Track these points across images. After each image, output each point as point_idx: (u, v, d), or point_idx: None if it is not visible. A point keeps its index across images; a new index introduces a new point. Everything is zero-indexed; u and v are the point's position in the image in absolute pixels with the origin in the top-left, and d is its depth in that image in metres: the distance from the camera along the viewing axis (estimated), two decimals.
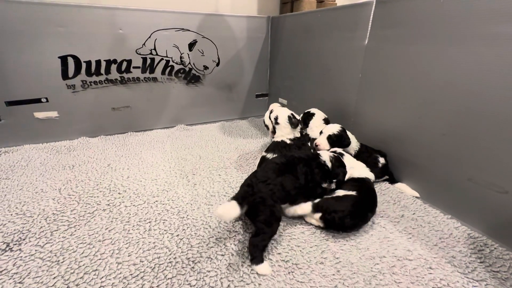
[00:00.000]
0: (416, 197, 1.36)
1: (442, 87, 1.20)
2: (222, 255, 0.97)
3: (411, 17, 1.28)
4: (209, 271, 0.90)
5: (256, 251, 0.95)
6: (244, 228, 1.11)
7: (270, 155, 1.42)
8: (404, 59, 1.35)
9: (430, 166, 1.31)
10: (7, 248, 0.97)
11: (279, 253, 0.99)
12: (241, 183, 1.42)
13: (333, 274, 0.91)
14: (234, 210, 0.92)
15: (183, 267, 0.92)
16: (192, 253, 0.98)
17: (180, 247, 1.00)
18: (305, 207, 1.13)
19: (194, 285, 0.85)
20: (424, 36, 1.24)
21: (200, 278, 0.88)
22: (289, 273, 0.91)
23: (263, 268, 0.92)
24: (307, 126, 1.70)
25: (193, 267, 0.92)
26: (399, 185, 1.44)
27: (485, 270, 0.94)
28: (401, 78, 1.38)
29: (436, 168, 1.29)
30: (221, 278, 0.88)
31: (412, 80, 1.32)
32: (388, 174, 1.47)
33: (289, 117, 1.51)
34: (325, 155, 1.23)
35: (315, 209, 1.12)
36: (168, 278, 0.87)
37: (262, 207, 1.00)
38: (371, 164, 1.44)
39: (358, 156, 1.48)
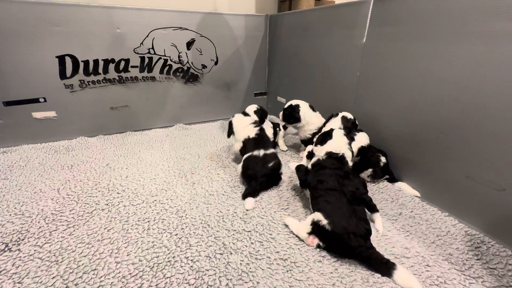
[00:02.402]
0: (417, 196, 1.36)
1: (440, 85, 1.20)
2: (220, 254, 0.98)
3: (409, 14, 1.28)
4: (207, 270, 0.91)
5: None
6: (243, 227, 1.11)
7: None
8: (402, 57, 1.35)
9: (428, 164, 1.32)
10: (6, 249, 0.97)
11: (278, 252, 0.99)
12: (239, 182, 1.44)
13: (331, 272, 0.91)
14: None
15: (181, 266, 0.92)
16: (191, 252, 0.98)
17: (179, 246, 1.00)
18: None
19: (193, 284, 0.86)
20: (422, 34, 1.24)
21: (198, 277, 0.88)
22: (287, 271, 0.91)
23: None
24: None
25: (191, 266, 0.92)
26: (399, 184, 1.43)
27: (482, 267, 0.94)
28: (399, 76, 1.38)
29: (434, 166, 1.29)
30: (219, 276, 0.89)
31: (410, 78, 1.32)
32: (388, 173, 1.48)
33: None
34: (345, 148, 1.19)
35: None
36: (167, 277, 0.88)
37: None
38: (373, 163, 1.45)
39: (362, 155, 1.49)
